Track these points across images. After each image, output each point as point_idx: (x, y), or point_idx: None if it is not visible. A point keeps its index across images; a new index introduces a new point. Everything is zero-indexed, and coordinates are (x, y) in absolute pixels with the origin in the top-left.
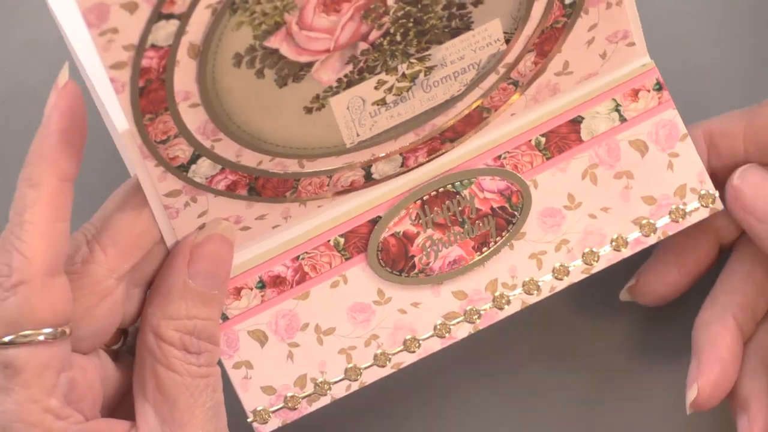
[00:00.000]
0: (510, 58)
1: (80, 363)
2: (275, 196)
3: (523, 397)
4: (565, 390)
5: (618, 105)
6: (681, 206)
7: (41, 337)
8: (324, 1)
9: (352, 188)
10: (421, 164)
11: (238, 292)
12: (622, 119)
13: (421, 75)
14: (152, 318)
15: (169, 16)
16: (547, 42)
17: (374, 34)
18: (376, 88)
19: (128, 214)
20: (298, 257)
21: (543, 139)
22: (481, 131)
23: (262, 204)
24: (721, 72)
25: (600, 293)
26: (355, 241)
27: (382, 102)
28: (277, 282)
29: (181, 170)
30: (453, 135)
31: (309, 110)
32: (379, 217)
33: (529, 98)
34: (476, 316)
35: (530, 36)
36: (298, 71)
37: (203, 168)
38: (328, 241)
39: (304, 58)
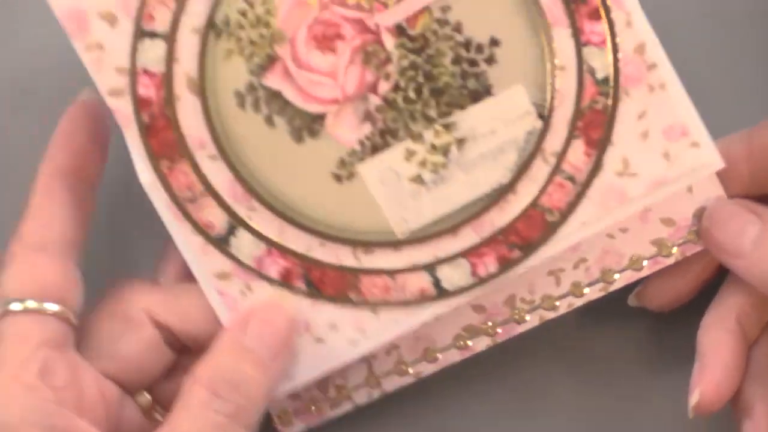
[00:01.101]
0: (556, 145)
1: (82, 368)
2: (336, 294)
3: (530, 401)
4: (570, 395)
5: None
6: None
7: (16, 306)
8: (315, 35)
9: (423, 298)
10: (493, 275)
11: None
12: None
13: (454, 149)
14: (195, 367)
15: (153, 35)
16: (592, 128)
17: (383, 86)
18: (406, 159)
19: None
20: None
21: None
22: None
23: (327, 306)
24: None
25: (608, 298)
26: None
27: (419, 180)
28: None
29: (222, 243)
30: (519, 240)
31: (338, 178)
32: None
33: (597, 203)
34: (495, 330)
35: (570, 118)
36: (311, 123)
37: (245, 243)
38: None
39: (312, 107)
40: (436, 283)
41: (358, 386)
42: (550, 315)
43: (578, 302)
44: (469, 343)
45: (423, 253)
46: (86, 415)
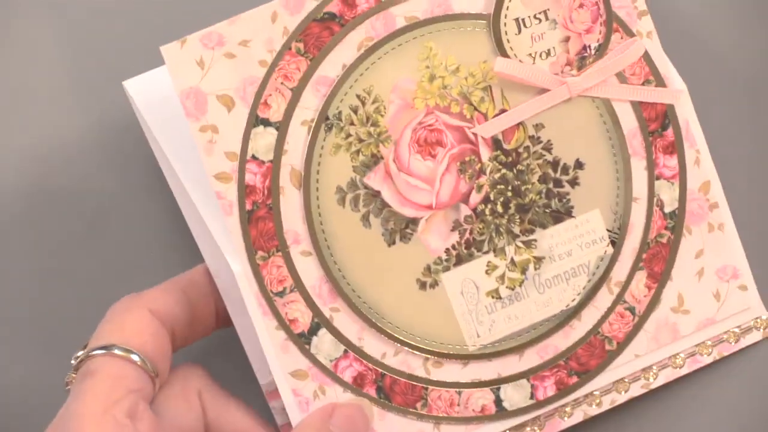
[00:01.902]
0: (621, 274)
1: (159, 425)
2: (405, 405)
3: None
4: None
5: None
6: (736, 330)
7: (99, 352)
8: (417, 139)
9: (483, 415)
10: (550, 399)
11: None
12: None
13: (531, 267)
14: None
15: (266, 123)
16: (655, 261)
17: (475, 198)
18: (487, 272)
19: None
20: None
21: None
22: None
23: (394, 416)
24: None
25: None
26: None
27: (496, 295)
28: None
29: (303, 341)
30: (578, 367)
31: (423, 285)
32: None
33: (651, 337)
34: (542, 426)
35: (637, 249)
36: (405, 227)
37: (326, 344)
38: None
39: (407, 211)
40: (498, 401)
41: None
42: (594, 411)
43: (621, 399)
44: None
45: (488, 371)
46: None
